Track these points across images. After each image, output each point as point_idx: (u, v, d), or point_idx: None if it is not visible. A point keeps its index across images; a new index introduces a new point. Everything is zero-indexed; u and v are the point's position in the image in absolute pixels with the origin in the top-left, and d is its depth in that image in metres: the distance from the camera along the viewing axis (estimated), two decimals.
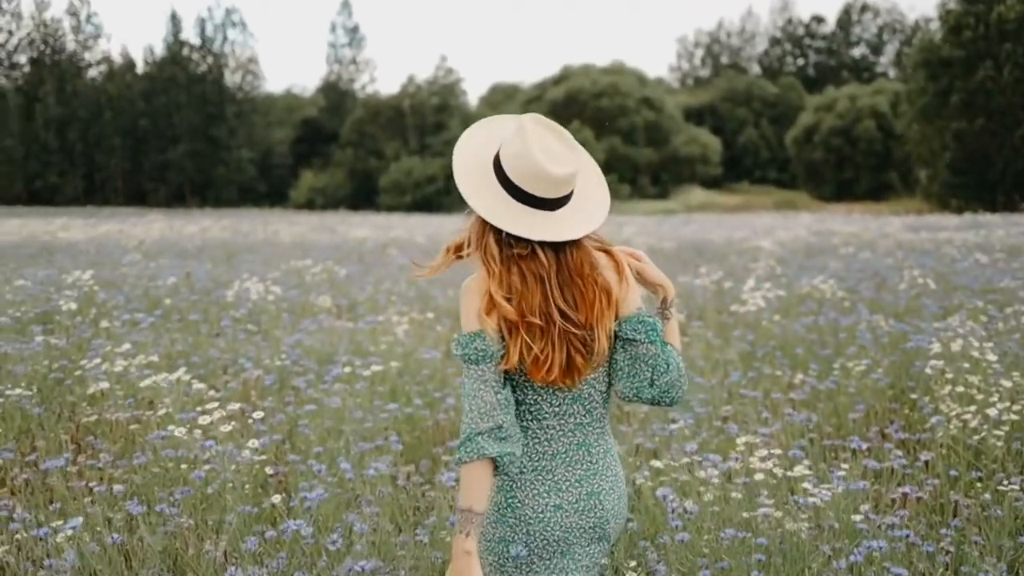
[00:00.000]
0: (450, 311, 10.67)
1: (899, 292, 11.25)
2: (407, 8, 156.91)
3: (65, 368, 7.39)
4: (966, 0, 50.67)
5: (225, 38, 74.17)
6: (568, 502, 2.62)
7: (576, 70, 69.39)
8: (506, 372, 2.57)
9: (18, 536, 4.32)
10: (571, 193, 2.59)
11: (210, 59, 73.28)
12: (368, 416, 6.22)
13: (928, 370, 6.38)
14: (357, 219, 39.80)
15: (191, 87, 71.20)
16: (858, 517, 4.18)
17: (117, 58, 74.83)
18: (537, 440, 2.63)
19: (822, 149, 64.58)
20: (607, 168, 51.53)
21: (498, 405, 2.51)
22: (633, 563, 4.10)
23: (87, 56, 73.52)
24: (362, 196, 63.72)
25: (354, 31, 78.09)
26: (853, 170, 63.91)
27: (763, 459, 4.69)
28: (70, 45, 72.86)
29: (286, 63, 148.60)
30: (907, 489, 4.69)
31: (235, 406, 5.28)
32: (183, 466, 4.96)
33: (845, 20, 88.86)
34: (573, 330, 2.55)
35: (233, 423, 5.06)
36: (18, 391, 6.32)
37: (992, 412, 5.34)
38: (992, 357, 6.26)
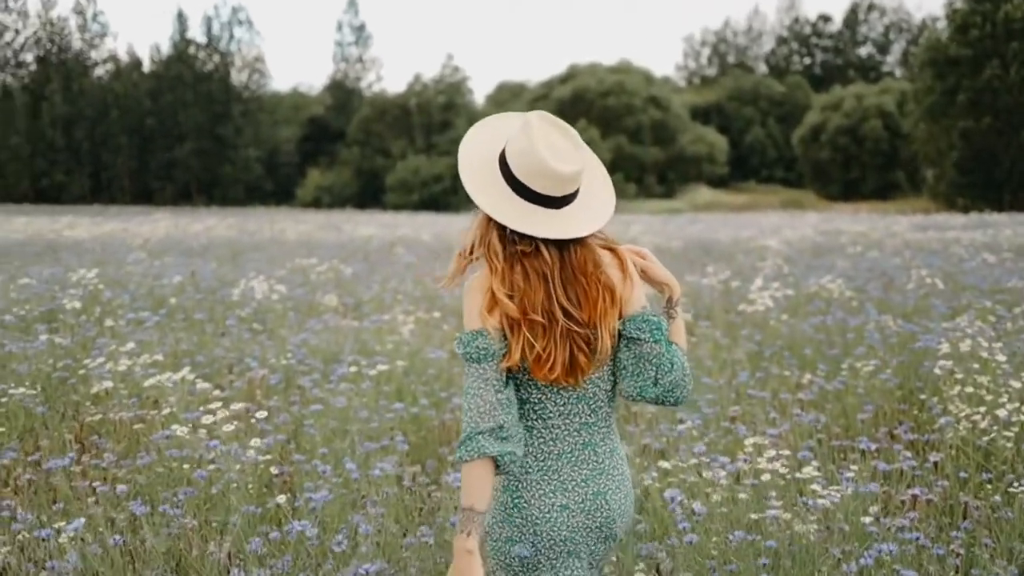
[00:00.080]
0: (456, 310, 10.63)
1: (907, 292, 11.20)
2: (414, 6, 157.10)
3: (69, 367, 7.37)
4: None
5: (231, 36, 74.28)
6: (574, 502, 2.61)
7: (583, 69, 69.42)
8: (509, 371, 2.56)
9: (20, 537, 4.29)
10: (577, 191, 2.58)
11: (216, 58, 73.38)
12: (374, 416, 6.20)
13: (937, 370, 6.33)
14: (363, 218, 39.80)
15: (197, 86, 71.26)
16: (868, 519, 4.15)
17: (123, 57, 75.23)
18: (542, 440, 2.62)
19: (829, 148, 64.48)
20: (613, 167, 51.57)
21: (499, 404, 2.49)
22: (641, 565, 4.07)
23: (93, 55, 73.71)
24: (369, 195, 63.76)
25: (360, 29, 78.16)
26: (860, 169, 63.82)
27: (771, 460, 4.65)
28: (76, 44, 73.04)
29: (293, 62, 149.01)
30: (917, 491, 4.65)
31: (240, 405, 5.25)
32: (185, 466, 4.93)
33: (852, 19, 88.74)
34: (576, 328, 2.53)
35: (237, 422, 5.03)
36: (22, 390, 6.30)
37: (1002, 413, 5.29)
38: (1001, 357, 6.21)
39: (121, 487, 4.73)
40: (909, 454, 5.04)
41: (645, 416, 6.41)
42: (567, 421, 2.62)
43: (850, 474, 4.50)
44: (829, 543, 4.10)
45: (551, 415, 2.61)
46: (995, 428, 5.31)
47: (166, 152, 70.43)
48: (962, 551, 4.13)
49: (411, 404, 6.75)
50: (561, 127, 2.55)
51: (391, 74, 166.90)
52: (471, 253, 2.62)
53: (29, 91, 70.88)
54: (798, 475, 4.52)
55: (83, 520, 4.04)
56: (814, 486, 4.35)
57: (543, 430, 2.61)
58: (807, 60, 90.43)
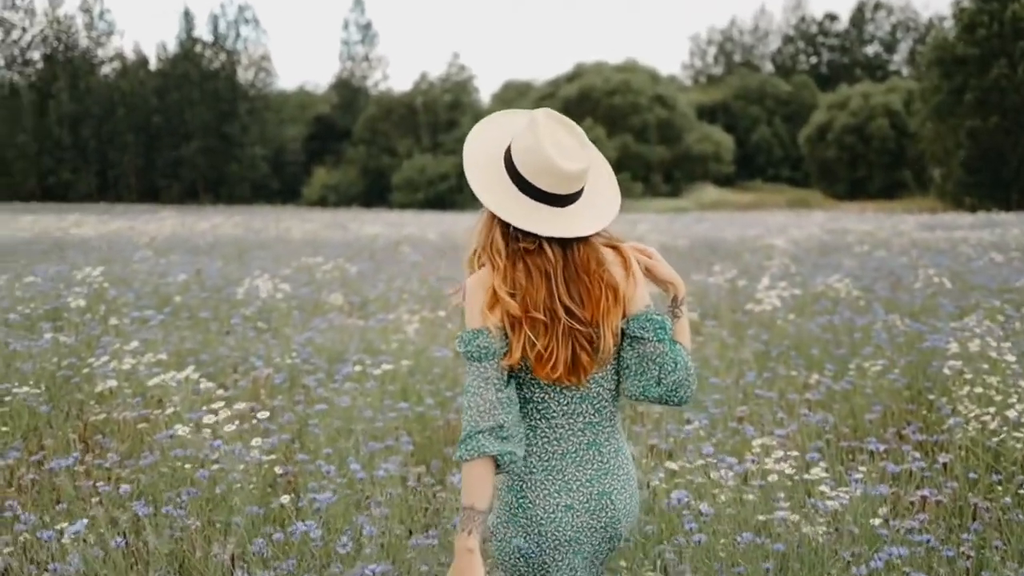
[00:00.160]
0: (461, 309, 10.60)
1: (915, 291, 11.15)
2: (420, 5, 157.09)
3: (73, 366, 7.35)
4: None
5: (238, 35, 74.37)
6: (579, 502, 2.59)
7: (589, 67, 69.32)
8: (512, 370, 2.54)
9: (22, 538, 4.27)
10: (582, 189, 2.56)
11: (223, 56, 73.48)
12: (378, 415, 6.17)
13: (946, 370, 6.29)
14: (369, 216, 39.78)
15: (204, 84, 71.38)
16: (877, 521, 4.11)
17: (130, 55, 75.23)
18: (547, 439, 2.60)
19: (835, 147, 64.37)
20: (619, 166, 51.53)
21: (499, 404, 2.47)
22: (648, 566, 4.04)
23: (100, 53, 73.82)
24: (375, 193, 63.77)
25: (367, 28, 78.20)
26: (866, 168, 63.70)
27: (779, 461, 4.61)
28: (83, 42, 73.18)
29: (299, 60, 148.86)
30: (926, 492, 4.61)
31: (244, 405, 5.23)
32: (186, 466, 4.90)
33: (858, 18, 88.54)
34: (578, 327, 2.52)
35: (240, 422, 5.01)
36: (26, 389, 6.29)
37: (1011, 414, 5.26)
38: (1011, 357, 6.17)
39: (124, 487, 4.70)
40: (918, 455, 5.00)
41: (652, 416, 6.38)
42: (571, 420, 2.60)
43: (859, 475, 4.46)
44: (838, 545, 4.07)
45: (555, 414, 2.59)
46: (1005, 429, 5.27)
47: (172, 150, 70.56)
48: (972, 553, 4.09)
49: (416, 404, 6.73)
50: (567, 125, 2.54)
51: (397, 73, 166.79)
52: (478, 258, 2.60)
53: (36, 89, 71.02)
54: (806, 476, 4.49)
55: (85, 522, 4.01)
56: (822, 487, 4.32)
57: (547, 430, 2.59)
58: (814, 59, 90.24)
